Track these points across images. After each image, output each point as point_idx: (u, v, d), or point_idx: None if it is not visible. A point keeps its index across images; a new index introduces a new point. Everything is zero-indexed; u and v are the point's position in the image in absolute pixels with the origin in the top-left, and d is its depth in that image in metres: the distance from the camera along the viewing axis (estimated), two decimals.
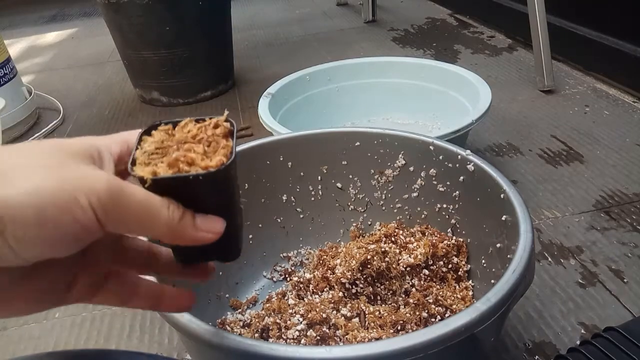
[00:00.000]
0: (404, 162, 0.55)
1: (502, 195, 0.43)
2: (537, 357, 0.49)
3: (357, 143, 0.56)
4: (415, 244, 0.51)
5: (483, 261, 0.48)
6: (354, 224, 0.60)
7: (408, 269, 0.49)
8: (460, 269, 0.50)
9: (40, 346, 0.56)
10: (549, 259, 0.60)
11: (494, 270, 0.46)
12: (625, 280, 0.56)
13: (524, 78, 1.10)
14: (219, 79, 1.19)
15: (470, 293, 0.49)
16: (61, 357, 0.29)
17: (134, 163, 0.24)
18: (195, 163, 0.23)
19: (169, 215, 0.22)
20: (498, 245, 0.45)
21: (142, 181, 0.23)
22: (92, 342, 0.56)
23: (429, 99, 0.87)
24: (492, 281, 0.45)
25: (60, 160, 0.21)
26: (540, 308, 0.54)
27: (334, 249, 0.57)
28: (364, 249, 0.49)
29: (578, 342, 0.47)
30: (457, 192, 0.51)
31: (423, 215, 0.56)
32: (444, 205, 0.53)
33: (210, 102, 1.16)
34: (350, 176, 0.58)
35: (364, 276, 0.48)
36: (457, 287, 0.49)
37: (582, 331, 0.51)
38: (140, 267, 0.28)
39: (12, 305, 0.23)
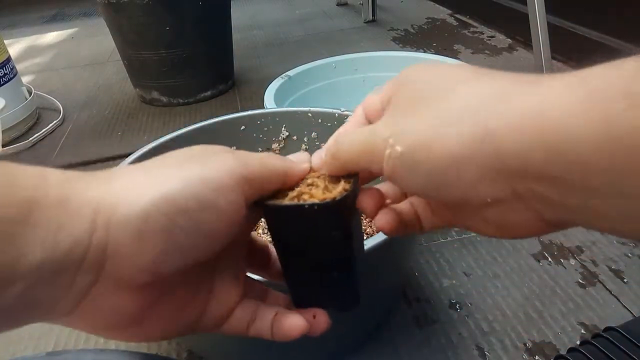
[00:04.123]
0: (287, 133, 0.60)
1: None
2: (537, 357, 0.49)
3: (243, 127, 0.60)
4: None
5: None
6: None
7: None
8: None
9: (40, 346, 0.56)
10: (549, 259, 0.60)
11: None
12: (625, 280, 0.56)
13: None
14: (219, 79, 1.19)
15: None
16: (61, 357, 0.29)
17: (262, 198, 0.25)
18: (315, 197, 0.24)
19: (285, 162, 0.25)
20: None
21: (268, 210, 0.24)
22: (92, 342, 0.56)
23: None
24: None
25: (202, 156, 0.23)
26: (540, 308, 0.54)
27: None
28: None
29: (578, 342, 0.47)
30: None
31: None
32: None
33: (210, 102, 1.16)
34: None
35: None
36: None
37: (582, 331, 0.51)
38: (258, 267, 0.29)
39: (150, 325, 0.23)
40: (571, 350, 0.41)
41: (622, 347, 0.39)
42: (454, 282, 0.58)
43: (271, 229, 0.25)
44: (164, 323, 0.23)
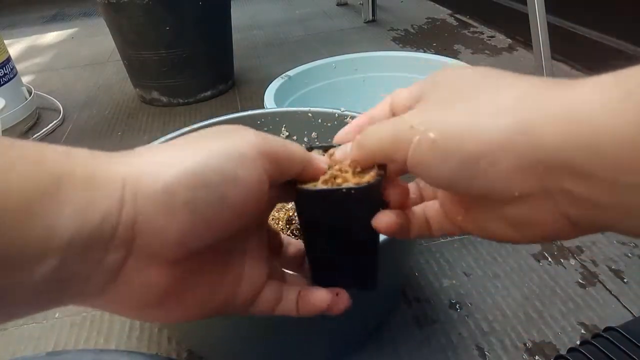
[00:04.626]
0: (287, 133, 0.59)
1: None
2: (537, 357, 0.49)
3: None
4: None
5: None
6: None
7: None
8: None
9: (40, 346, 0.56)
10: (549, 259, 0.60)
11: None
12: (625, 280, 0.56)
13: None
14: (219, 79, 1.19)
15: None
16: (61, 357, 0.29)
17: (294, 182, 0.26)
18: (348, 180, 0.24)
19: (305, 151, 0.25)
20: None
21: (303, 194, 0.25)
22: (92, 342, 0.56)
23: None
24: None
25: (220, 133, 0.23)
26: (540, 308, 0.54)
27: None
28: (283, 211, 0.54)
29: (578, 342, 0.47)
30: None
31: None
32: None
33: (210, 102, 1.16)
34: None
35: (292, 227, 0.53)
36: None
37: (582, 331, 0.51)
38: (272, 254, 0.30)
39: (185, 303, 0.23)
40: (571, 350, 0.41)
41: (622, 347, 0.39)
42: (454, 282, 0.58)
43: (302, 214, 0.26)
44: (198, 302, 0.24)
